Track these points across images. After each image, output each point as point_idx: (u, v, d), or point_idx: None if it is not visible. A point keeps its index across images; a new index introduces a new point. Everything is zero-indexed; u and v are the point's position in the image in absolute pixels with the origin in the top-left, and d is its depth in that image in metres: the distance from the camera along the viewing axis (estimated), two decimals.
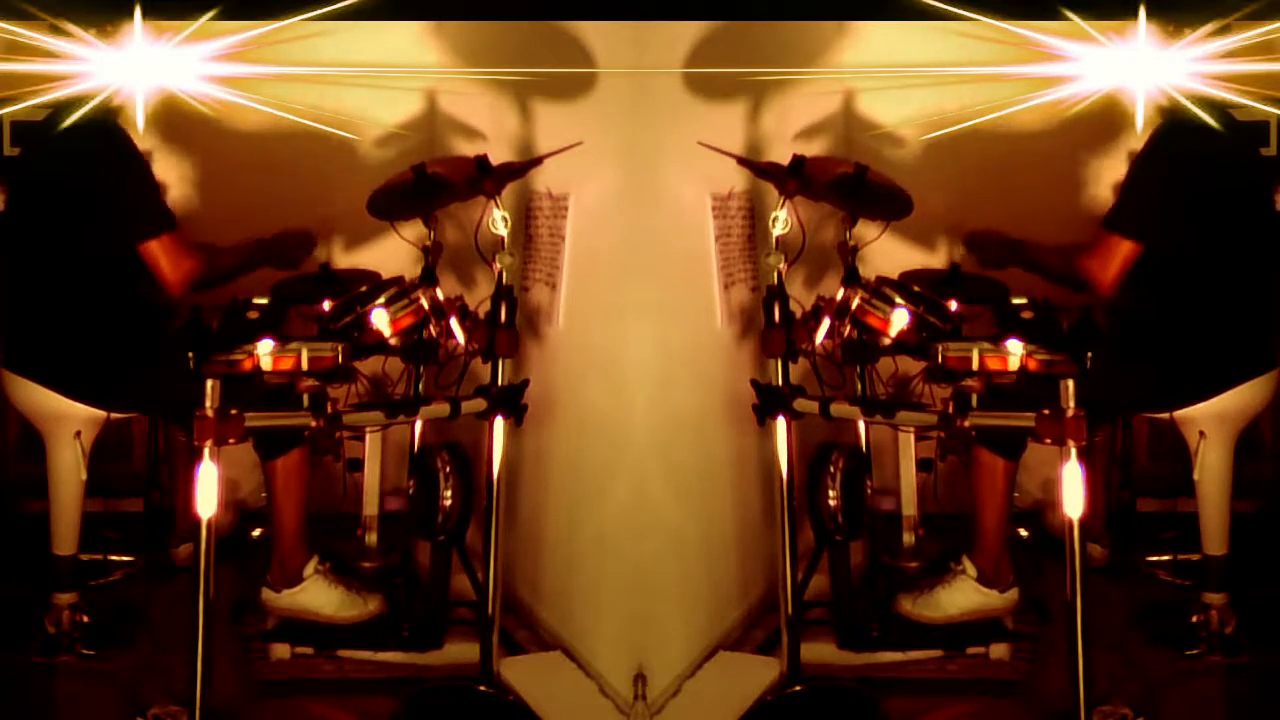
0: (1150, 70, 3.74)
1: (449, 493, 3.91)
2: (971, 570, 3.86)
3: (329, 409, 3.55)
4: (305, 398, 3.53)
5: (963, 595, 3.86)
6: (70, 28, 3.74)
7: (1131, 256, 3.73)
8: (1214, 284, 3.78)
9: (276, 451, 3.81)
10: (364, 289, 3.90)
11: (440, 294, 3.88)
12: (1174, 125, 3.77)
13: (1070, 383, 3.44)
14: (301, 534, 3.87)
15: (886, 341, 3.82)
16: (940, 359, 3.59)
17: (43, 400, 3.81)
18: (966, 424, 3.52)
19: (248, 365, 3.50)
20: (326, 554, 3.93)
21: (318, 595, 3.87)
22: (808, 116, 4.45)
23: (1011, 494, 3.89)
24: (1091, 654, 3.40)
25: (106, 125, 3.76)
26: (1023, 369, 3.51)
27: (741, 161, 3.91)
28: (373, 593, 3.93)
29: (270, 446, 3.81)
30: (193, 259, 3.77)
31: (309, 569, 3.87)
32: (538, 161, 3.95)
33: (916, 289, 3.90)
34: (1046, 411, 3.44)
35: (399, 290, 3.87)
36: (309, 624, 3.87)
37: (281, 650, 3.87)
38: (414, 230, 4.00)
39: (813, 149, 4.31)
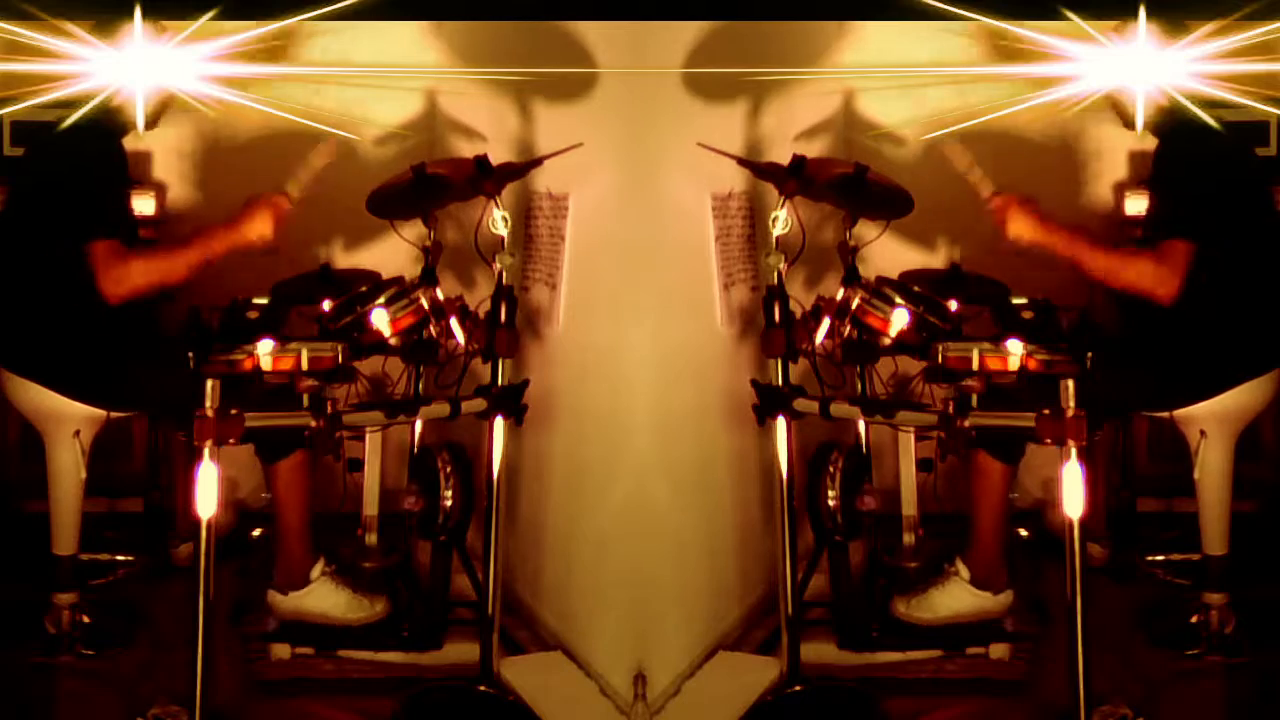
0: (1150, 70, 3.74)
1: (449, 493, 3.92)
2: (965, 572, 3.86)
3: (329, 409, 3.55)
4: (305, 398, 3.54)
5: (955, 597, 3.86)
6: (70, 28, 3.73)
7: (1192, 259, 3.65)
8: (1216, 283, 3.78)
9: (278, 454, 3.80)
10: (364, 289, 3.90)
11: (440, 294, 3.88)
12: (1190, 125, 3.74)
13: (1070, 383, 3.44)
14: (306, 536, 3.87)
15: (886, 341, 3.82)
16: (940, 359, 3.60)
17: (42, 400, 3.80)
18: (966, 424, 3.53)
19: (248, 365, 3.50)
20: (331, 555, 3.93)
21: (325, 598, 3.86)
22: (808, 116, 4.44)
23: (1009, 497, 3.88)
24: (1091, 654, 3.40)
25: (92, 127, 3.72)
26: (1023, 369, 3.51)
27: (741, 162, 3.91)
28: (378, 595, 3.93)
29: (272, 449, 3.80)
30: (127, 264, 3.65)
31: (315, 571, 3.86)
32: (538, 162, 3.95)
33: (916, 289, 3.90)
34: (1046, 411, 3.45)
35: (399, 290, 3.87)
36: (314, 626, 3.87)
37: (281, 650, 3.88)
38: (414, 230, 4.00)
39: (813, 149, 4.30)
